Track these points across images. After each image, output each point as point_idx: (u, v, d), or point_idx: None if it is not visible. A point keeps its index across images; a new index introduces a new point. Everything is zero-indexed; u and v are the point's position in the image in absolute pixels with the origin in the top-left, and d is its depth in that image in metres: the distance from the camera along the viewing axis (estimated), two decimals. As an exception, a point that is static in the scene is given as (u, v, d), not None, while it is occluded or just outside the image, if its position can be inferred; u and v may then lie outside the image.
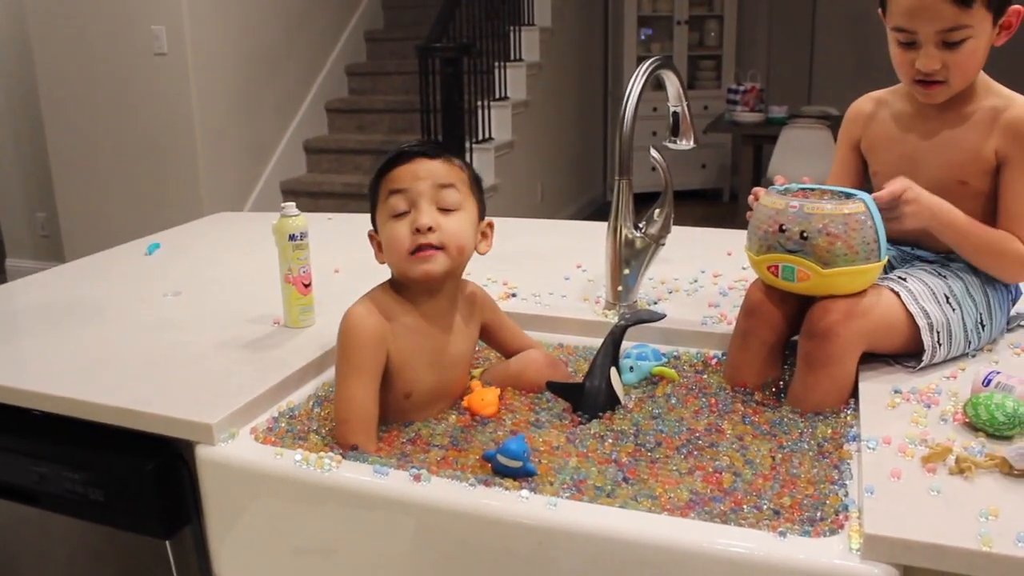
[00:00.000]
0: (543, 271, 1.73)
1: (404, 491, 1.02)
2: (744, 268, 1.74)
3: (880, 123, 1.39)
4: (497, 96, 5.00)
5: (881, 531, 0.88)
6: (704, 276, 1.69)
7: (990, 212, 1.30)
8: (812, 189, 1.25)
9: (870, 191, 1.24)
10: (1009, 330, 1.38)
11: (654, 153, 1.48)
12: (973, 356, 1.29)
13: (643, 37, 6.83)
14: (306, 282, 1.44)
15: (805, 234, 1.18)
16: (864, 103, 1.44)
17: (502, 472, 1.05)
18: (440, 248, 1.15)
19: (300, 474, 1.06)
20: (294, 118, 4.95)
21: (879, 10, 1.31)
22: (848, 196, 1.21)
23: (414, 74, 5.00)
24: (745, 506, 0.99)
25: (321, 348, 1.36)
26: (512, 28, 5.22)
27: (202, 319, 1.51)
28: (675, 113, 1.55)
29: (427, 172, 1.15)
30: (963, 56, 1.23)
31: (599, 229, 2.14)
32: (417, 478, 1.02)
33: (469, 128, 4.56)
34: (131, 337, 1.44)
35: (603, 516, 0.96)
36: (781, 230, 1.20)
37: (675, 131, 1.56)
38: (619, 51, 6.83)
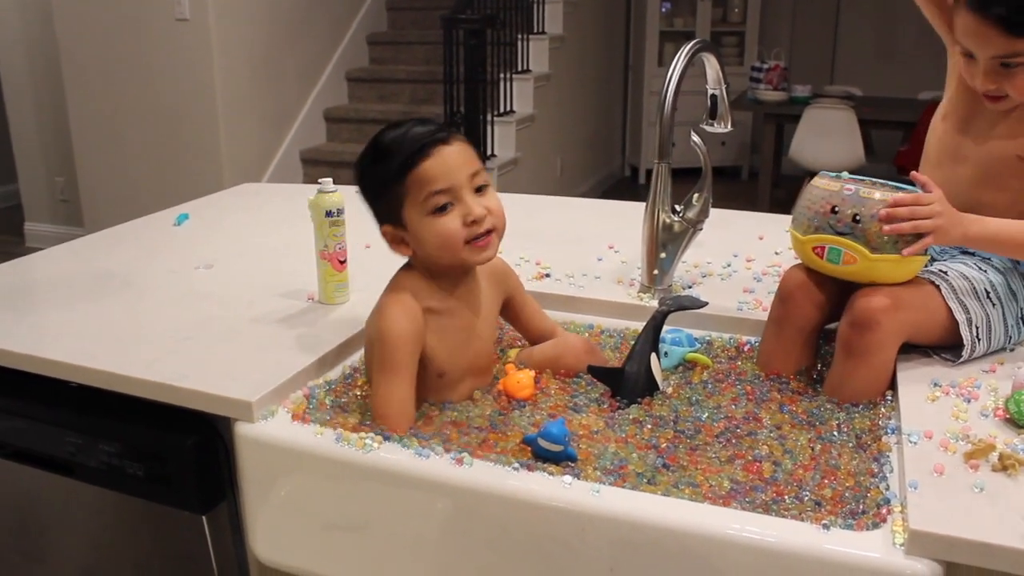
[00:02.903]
0: (575, 251, 1.72)
1: (445, 473, 1.02)
2: (777, 253, 1.73)
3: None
4: (520, 68, 4.96)
5: (926, 527, 0.88)
6: (737, 260, 1.68)
7: None
8: (863, 179, 1.24)
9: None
10: (1048, 323, 1.37)
11: (695, 137, 1.46)
12: (1012, 350, 1.29)
13: (664, 10, 6.75)
14: (342, 259, 1.44)
15: (858, 217, 1.18)
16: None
17: (542, 456, 1.05)
18: (492, 231, 1.15)
19: (340, 453, 1.06)
20: (315, 86, 4.92)
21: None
22: (898, 188, 1.20)
23: (436, 44, 4.97)
24: (786, 496, 1.00)
25: (355, 326, 1.36)
26: (536, 1, 5.16)
27: (235, 293, 1.51)
28: (713, 96, 1.54)
29: (459, 161, 1.13)
30: (1020, 79, 1.21)
31: (630, 208, 2.13)
32: (459, 461, 1.03)
33: (491, 101, 4.54)
34: (165, 310, 1.44)
35: (646, 504, 0.96)
36: (833, 211, 1.20)
37: (712, 114, 1.55)
38: (641, 25, 6.76)
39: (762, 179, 5.64)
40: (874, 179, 1.24)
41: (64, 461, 1.28)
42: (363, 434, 1.08)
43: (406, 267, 1.22)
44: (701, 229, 1.47)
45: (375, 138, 1.18)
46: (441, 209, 1.13)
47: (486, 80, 4.25)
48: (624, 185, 7.07)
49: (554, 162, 5.56)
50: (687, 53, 1.43)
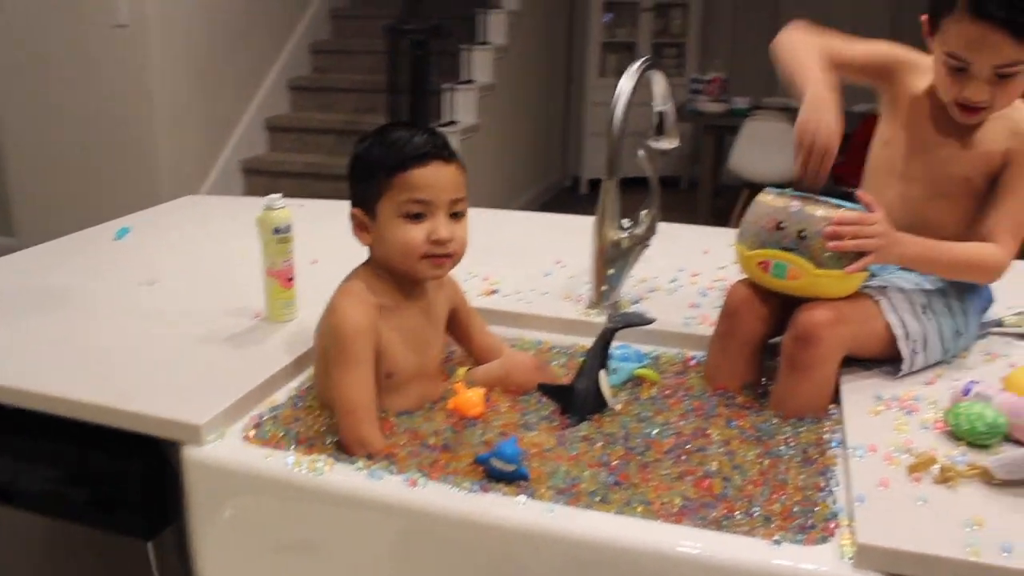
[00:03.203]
0: (523, 266, 1.73)
1: (399, 495, 1.01)
2: (721, 268, 1.75)
3: (913, 89, 1.35)
4: (463, 79, 4.97)
5: (873, 541, 0.90)
6: (683, 275, 1.71)
7: (979, 210, 1.32)
8: (806, 196, 1.27)
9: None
10: (980, 336, 1.42)
11: (641, 154, 1.48)
12: (949, 363, 1.32)
13: (606, 21, 6.82)
14: (289, 276, 1.43)
15: (803, 233, 1.20)
16: (912, 58, 1.36)
17: (495, 475, 1.05)
18: (451, 256, 1.18)
19: (291, 476, 1.05)
20: (256, 95, 4.86)
21: (924, 21, 1.28)
22: (840, 205, 1.23)
23: (380, 54, 4.95)
24: (737, 512, 1.01)
25: (304, 344, 1.35)
26: (479, 10, 5.18)
27: (180, 311, 1.48)
28: (660, 113, 1.56)
29: (446, 182, 1.16)
30: (1012, 87, 1.24)
31: (576, 222, 2.15)
32: (413, 482, 1.02)
33: (435, 111, 4.53)
34: (106, 329, 1.41)
35: (600, 523, 0.97)
36: (779, 227, 1.22)
37: (659, 130, 1.57)
38: (584, 36, 6.82)
39: (702, 189, 5.73)
40: (817, 196, 1.27)
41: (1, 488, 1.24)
42: (314, 456, 1.07)
43: (362, 265, 1.23)
44: (648, 245, 1.49)
45: (384, 127, 1.21)
46: (413, 216, 1.15)
47: (430, 91, 4.24)
48: (566, 195, 7.11)
49: (498, 172, 5.57)
50: (636, 71, 1.44)
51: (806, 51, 1.36)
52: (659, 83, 1.53)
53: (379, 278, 1.21)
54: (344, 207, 1.23)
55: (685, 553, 0.93)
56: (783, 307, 1.29)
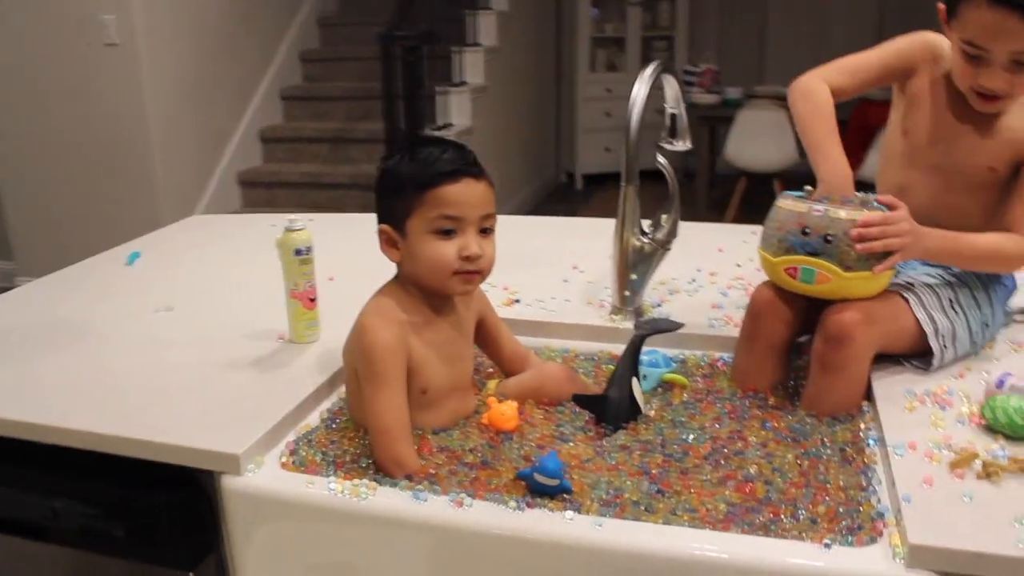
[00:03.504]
0: (541, 274, 1.72)
1: (446, 517, 1.01)
2: (739, 266, 1.76)
3: (933, 80, 1.35)
4: (455, 81, 4.96)
5: (925, 541, 0.90)
6: (701, 275, 1.71)
7: (1002, 200, 1.32)
8: (827, 197, 1.26)
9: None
10: (1004, 325, 1.42)
11: (661, 159, 1.48)
12: (977, 355, 1.33)
13: (594, 16, 6.82)
14: (312, 296, 1.42)
15: (829, 237, 1.20)
16: (932, 47, 1.35)
17: (538, 490, 1.05)
18: (480, 272, 1.18)
19: (335, 502, 1.05)
20: (249, 106, 4.84)
21: (941, 9, 1.27)
22: (863, 204, 1.23)
23: (369, 60, 4.94)
24: (783, 516, 1.01)
25: (331, 365, 1.35)
26: (468, 12, 5.17)
27: (201, 337, 1.48)
28: (672, 115, 1.56)
29: (478, 199, 1.16)
30: None
31: (586, 224, 2.15)
32: (459, 503, 1.02)
33: (429, 115, 4.53)
34: (129, 359, 1.40)
35: (650, 534, 0.97)
36: (804, 232, 1.22)
37: (672, 132, 1.57)
38: (572, 32, 6.82)
39: (698, 180, 5.74)
40: (831, 196, 1.26)
41: (37, 525, 1.23)
42: (356, 481, 1.07)
43: (390, 282, 1.23)
44: (670, 249, 1.48)
45: (413, 142, 1.20)
46: (443, 233, 1.15)
47: (426, 95, 4.23)
48: (561, 192, 7.12)
49: (493, 173, 5.55)
50: (650, 76, 1.44)
51: (822, 124, 1.35)
52: (671, 86, 1.53)
53: (408, 294, 1.21)
54: (355, 220, 1.23)
55: (738, 560, 0.93)
56: (808, 307, 1.29)
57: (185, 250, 2.01)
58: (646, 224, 1.50)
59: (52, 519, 1.20)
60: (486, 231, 1.19)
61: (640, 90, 1.43)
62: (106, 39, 4.04)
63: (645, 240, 1.46)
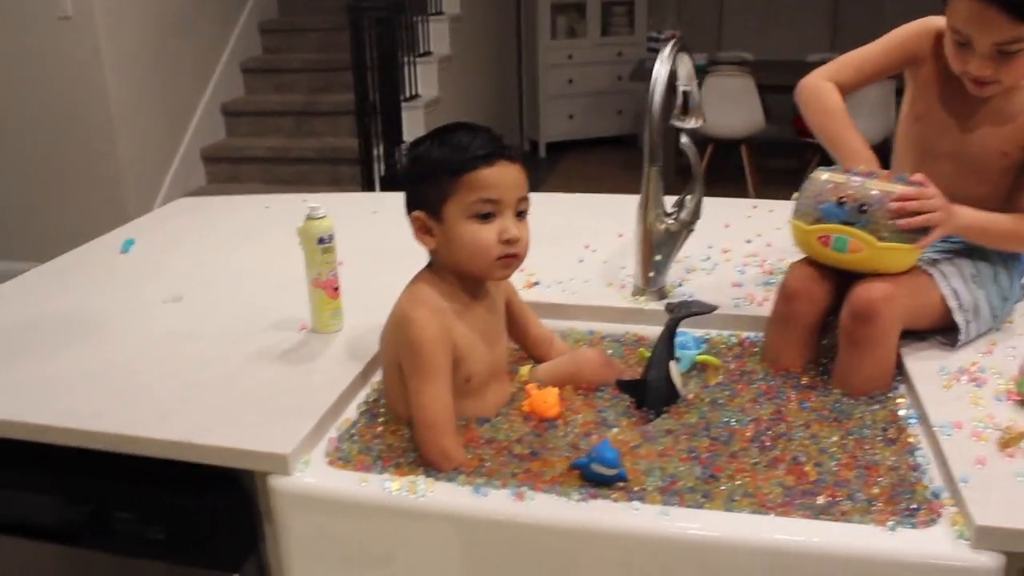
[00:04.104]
0: (554, 254, 1.71)
1: (508, 511, 1.01)
2: (748, 242, 1.77)
3: (941, 63, 1.36)
4: (420, 52, 4.89)
5: (990, 521, 0.92)
6: (713, 252, 1.71)
7: (1019, 185, 1.34)
8: (862, 172, 1.27)
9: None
10: (1020, 299, 1.45)
11: (684, 140, 1.47)
12: (998, 329, 1.35)
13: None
14: (335, 285, 1.39)
15: (864, 207, 1.22)
16: (937, 33, 1.36)
17: (595, 479, 1.05)
18: (518, 255, 1.17)
19: (392, 500, 1.04)
20: (210, 80, 4.73)
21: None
22: (897, 180, 1.25)
23: (330, 31, 4.86)
24: (840, 498, 1.02)
25: (361, 355, 1.32)
26: (432, -20, 5.09)
27: (219, 329, 1.44)
28: (686, 92, 1.55)
29: (514, 182, 1.15)
30: (1016, 64, 1.25)
31: (582, 201, 2.14)
32: (520, 496, 1.01)
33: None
34: (147, 355, 1.36)
35: (717, 522, 0.98)
36: (840, 202, 1.23)
37: (685, 110, 1.56)
38: (532, -1, 6.75)
39: (665, 147, 5.73)
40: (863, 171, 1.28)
41: (73, 532, 1.19)
42: (411, 477, 1.06)
43: (425, 270, 1.22)
44: (693, 230, 1.48)
45: (445, 128, 1.18)
46: (483, 217, 1.14)
47: (396, 66, 4.17)
48: (526, 161, 7.01)
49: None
50: (669, 55, 1.43)
51: (836, 116, 1.40)
52: (685, 63, 1.51)
53: (445, 281, 1.19)
54: (351, 200, 1.19)
55: (807, 546, 0.94)
56: (840, 287, 1.30)
57: (181, 235, 1.96)
58: (668, 204, 1.49)
59: (87, 524, 1.17)
60: (521, 214, 1.18)
61: (660, 70, 1.42)
62: (60, 12, 3.90)
63: (670, 221, 1.46)
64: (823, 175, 1.29)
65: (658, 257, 1.47)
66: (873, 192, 1.23)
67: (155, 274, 1.71)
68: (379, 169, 4.29)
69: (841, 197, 1.24)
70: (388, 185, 4.28)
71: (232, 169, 4.67)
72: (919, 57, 1.39)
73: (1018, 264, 1.40)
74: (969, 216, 1.28)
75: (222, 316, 1.49)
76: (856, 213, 1.23)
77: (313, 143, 4.67)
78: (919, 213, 1.22)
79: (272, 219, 2.04)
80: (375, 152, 4.25)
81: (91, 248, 1.90)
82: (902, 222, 1.20)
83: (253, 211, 2.10)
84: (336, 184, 4.49)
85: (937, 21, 1.36)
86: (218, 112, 4.79)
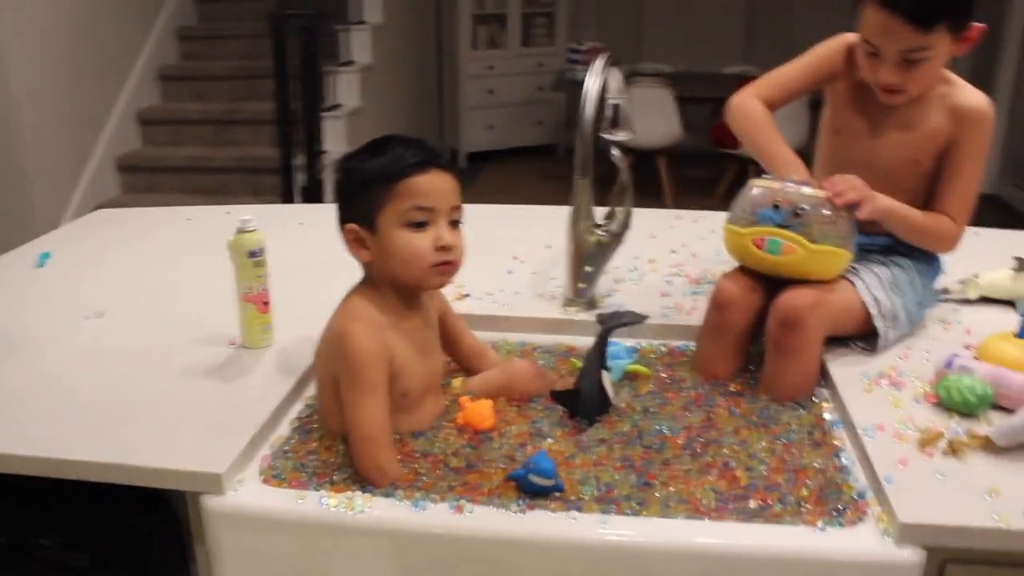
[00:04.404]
0: (482, 265, 1.71)
1: (448, 524, 1.01)
2: (673, 252, 1.80)
3: (856, 80, 1.42)
4: (342, 60, 4.85)
5: (913, 518, 0.96)
6: (640, 262, 1.74)
7: (931, 192, 1.40)
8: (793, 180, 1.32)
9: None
10: (932, 306, 1.51)
11: (615, 152, 1.50)
12: (914, 334, 1.41)
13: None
14: (265, 300, 1.37)
15: (799, 211, 1.26)
16: (851, 49, 1.41)
17: (532, 491, 1.06)
18: (453, 263, 1.17)
19: (330, 517, 1.02)
20: (124, 87, 4.60)
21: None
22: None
23: (252, 38, 4.78)
24: (771, 501, 1.05)
25: (292, 371, 1.31)
26: (353, -11, 5.06)
27: (145, 345, 1.40)
28: (615, 106, 1.58)
29: (447, 190, 1.16)
30: (921, 72, 1.32)
31: (505, 212, 2.15)
32: (459, 509, 1.01)
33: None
34: (70, 374, 1.32)
35: (652, 528, 1.00)
36: (775, 207, 1.28)
37: (614, 123, 1.59)
38: (453, 9, 6.74)
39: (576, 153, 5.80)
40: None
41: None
42: (349, 493, 1.05)
43: (360, 285, 1.21)
44: (623, 241, 1.51)
45: (377, 140, 1.18)
46: (417, 225, 1.14)
47: (318, 75, 4.12)
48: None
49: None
50: (599, 71, 1.45)
51: (765, 129, 1.46)
52: (615, 77, 1.54)
53: (381, 294, 1.19)
54: (271, 212, 1.18)
55: (742, 548, 0.97)
56: (769, 297, 1.34)
57: (100, 249, 1.90)
58: (600, 216, 1.51)
59: (6, 552, 1.12)
60: (455, 223, 1.18)
61: (592, 84, 1.45)
62: (-36, 15, 3.75)
63: (600, 232, 1.48)
64: (760, 181, 1.33)
65: (588, 268, 1.49)
66: (807, 197, 1.28)
67: (75, 289, 1.66)
68: (300, 179, 4.24)
69: (776, 202, 1.29)
70: (309, 195, 4.24)
71: (149, 179, 4.55)
72: (835, 72, 1.45)
73: (931, 271, 1.46)
74: (887, 200, 1.34)
75: (148, 332, 1.45)
76: (791, 217, 1.28)
77: (233, 152, 4.59)
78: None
79: (196, 231, 2.00)
80: (296, 162, 4.19)
81: (3, 262, 1.83)
82: (840, 200, 1.27)
83: (175, 223, 2.06)
84: (257, 194, 4.41)
85: (850, 37, 1.42)
86: (133, 120, 4.67)
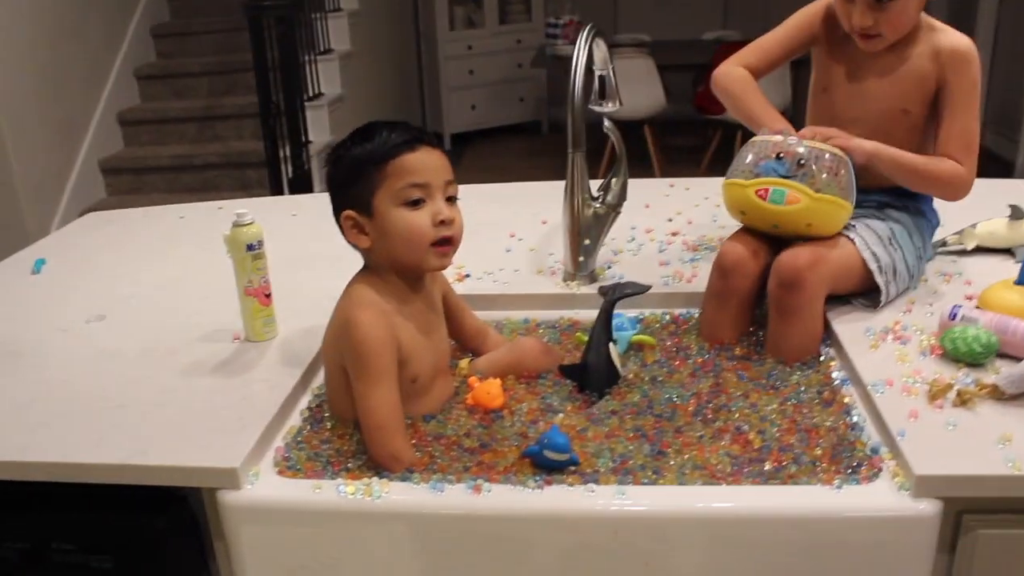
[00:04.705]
0: (480, 245, 1.71)
1: (467, 505, 1.01)
2: (669, 220, 1.80)
3: (838, 38, 1.44)
4: (321, 49, 4.81)
5: (928, 471, 0.97)
6: (637, 233, 1.74)
7: (928, 142, 1.41)
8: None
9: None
10: (930, 258, 1.52)
11: (608, 123, 1.49)
12: (915, 288, 1.42)
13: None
14: (267, 292, 1.37)
15: (803, 161, 1.28)
16: (827, 11, 1.45)
17: (547, 466, 1.06)
18: (452, 240, 1.17)
19: (349, 504, 1.03)
20: (103, 89, 4.55)
21: None
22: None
23: (226, 32, 4.75)
24: (785, 463, 1.06)
25: (299, 361, 1.31)
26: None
27: (149, 345, 1.40)
28: (601, 77, 1.57)
29: (439, 164, 1.15)
30: (893, 14, 1.33)
31: (506, 191, 2.15)
32: (477, 489, 1.02)
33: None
34: (76, 378, 1.31)
35: (672, 496, 1.00)
36: (778, 157, 1.30)
37: (602, 94, 1.59)
38: (428, -11, 6.71)
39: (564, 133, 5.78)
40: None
41: (11, 571, 1.14)
42: (365, 480, 1.05)
43: (362, 272, 1.21)
44: (620, 212, 1.51)
45: (361, 127, 1.18)
46: (414, 203, 1.14)
47: (298, 65, 4.09)
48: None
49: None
50: (585, 40, 1.45)
51: (751, 95, 1.48)
52: (600, 49, 1.54)
53: (384, 280, 1.18)
54: (263, 204, 1.17)
55: (761, 511, 0.98)
56: (772, 261, 1.34)
57: (94, 252, 1.89)
58: (594, 188, 1.51)
59: (27, 560, 1.12)
60: (451, 199, 1.18)
61: (579, 57, 1.44)
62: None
63: (597, 204, 1.48)
64: (761, 138, 1.35)
65: (587, 242, 1.49)
66: (810, 148, 1.29)
67: (73, 294, 1.65)
68: (287, 171, 4.22)
69: (779, 153, 1.29)
70: (297, 186, 4.21)
71: (134, 180, 4.52)
72: (816, 36, 1.47)
73: (927, 224, 1.47)
74: (874, 143, 1.34)
75: (150, 332, 1.45)
76: (795, 167, 1.29)
77: (218, 148, 4.56)
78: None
79: (188, 229, 1.99)
80: (282, 154, 4.17)
81: (1, 269, 1.82)
82: (831, 142, 1.30)
83: (168, 222, 2.05)
84: (244, 189, 4.39)
85: (827, 1, 1.44)
86: (114, 122, 4.63)
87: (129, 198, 4.41)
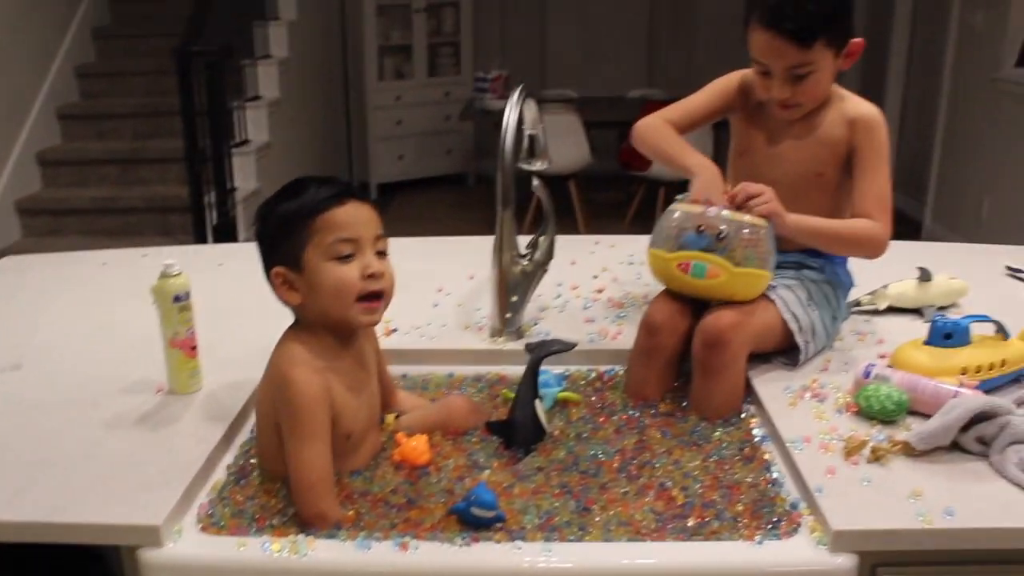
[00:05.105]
0: (408, 299, 1.68)
1: (393, 562, 1.01)
2: (595, 277, 1.84)
3: (753, 107, 1.51)
4: (249, 96, 4.79)
5: (845, 526, 1.01)
6: (563, 289, 1.77)
7: (841, 203, 1.47)
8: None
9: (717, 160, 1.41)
10: (845, 318, 1.58)
11: (536, 183, 1.53)
12: (831, 347, 1.47)
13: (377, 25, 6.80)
14: (193, 344, 1.35)
15: (723, 235, 1.31)
16: (744, 81, 1.52)
17: (474, 523, 1.07)
18: (382, 295, 1.17)
19: (274, 562, 1.01)
20: (23, 127, 4.44)
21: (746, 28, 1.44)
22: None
23: (154, 75, 4.70)
24: (708, 519, 1.09)
25: (224, 415, 1.29)
26: (258, 23, 5.01)
27: (68, 397, 1.36)
28: (531, 136, 1.61)
29: (369, 219, 1.16)
30: (809, 86, 1.40)
31: (425, 246, 2.15)
32: (404, 547, 1.01)
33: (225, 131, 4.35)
34: (-7, 430, 1.27)
35: (596, 552, 1.02)
36: (699, 231, 1.32)
37: (532, 153, 1.62)
38: (359, 41, 6.73)
39: (491, 186, 5.84)
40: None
41: None
42: (291, 537, 1.04)
43: (293, 328, 1.20)
44: (548, 270, 1.53)
45: (289, 183, 1.18)
46: (344, 258, 1.14)
47: (226, 111, 4.07)
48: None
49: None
50: (517, 102, 1.49)
51: (673, 138, 1.54)
52: (530, 109, 1.58)
53: (316, 337, 1.18)
54: (185, 253, 1.16)
55: (685, 567, 1.00)
56: (697, 320, 1.38)
57: (10, 297, 1.83)
58: (522, 245, 1.54)
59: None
60: (381, 254, 1.18)
61: (510, 116, 1.47)
62: None
63: (524, 262, 1.50)
64: (681, 206, 1.39)
65: (514, 298, 1.51)
66: (729, 220, 1.34)
67: (-15, 342, 1.59)
68: (211, 217, 4.16)
69: (700, 226, 1.33)
70: (221, 234, 4.16)
71: (52, 222, 4.40)
72: (732, 105, 1.54)
73: (842, 285, 1.53)
74: (797, 215, 1.40)
75: (70, 383, 1.41)
76: (715, 241, 1.32)
77: (141, 192, 4.48)
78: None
79: (111, 275, 1.95)
80: (206, 200, 4.12)
81: (-95, 316, 1.75)
82: (759, 210, 1.34)
83: (89, 268, 2.00)
84: (167, 234, 4.31)
85: (741, 72, 1.53)
86: (33, 161, 4.51)
87: (46, 240, 4.29)
